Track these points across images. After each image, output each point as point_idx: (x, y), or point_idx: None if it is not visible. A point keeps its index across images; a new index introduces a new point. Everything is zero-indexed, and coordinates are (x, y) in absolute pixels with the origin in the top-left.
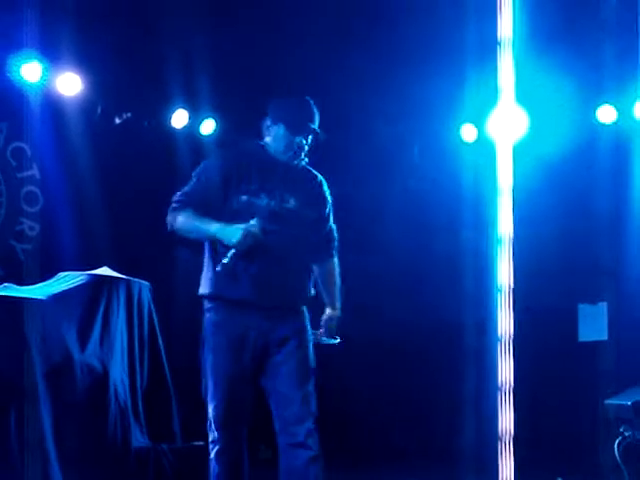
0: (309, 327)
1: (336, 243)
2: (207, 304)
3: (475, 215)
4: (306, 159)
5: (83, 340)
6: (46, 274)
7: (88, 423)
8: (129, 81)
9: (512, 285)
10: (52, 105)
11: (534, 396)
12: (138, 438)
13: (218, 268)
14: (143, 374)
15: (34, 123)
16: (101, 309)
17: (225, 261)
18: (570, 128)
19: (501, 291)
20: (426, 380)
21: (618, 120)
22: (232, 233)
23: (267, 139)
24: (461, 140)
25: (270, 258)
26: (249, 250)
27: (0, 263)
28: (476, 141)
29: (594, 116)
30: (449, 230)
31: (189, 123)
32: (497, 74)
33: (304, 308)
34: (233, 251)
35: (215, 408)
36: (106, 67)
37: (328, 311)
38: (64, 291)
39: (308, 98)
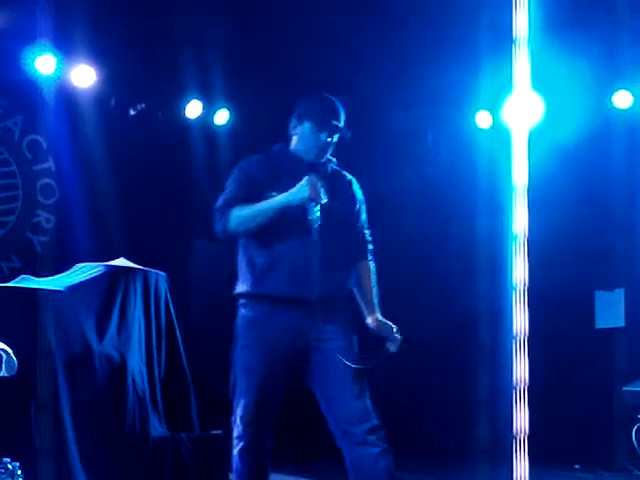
0: (351, 323)
1: (371, 246)
2: (242, 300)
3: (490, 202)
4: (334, 160)
5: (101, 331)
6: (63, 266)
7: (107, 413)
8: (143, 72)
9: (527, 280)
10: (67, 97)
11: (551, 383)
12: (156, 427)
13: (310, 217)
14: (161, 364)
15: (49, 116)
16: (118, 300)
17: (315, 216)
18: (586, 114)
19: (516, 288)
20: (442, 377)
21: (634, 105)
22: (300, 190)
23: (294, 139)
24: (476, 127)
25: (305, 254)
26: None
27: (17, 255)
28: (491, 128)
29: (610, 101)
30: (464, 217)
31: (203, 113)
32: (512, 61)
33: (345, 305)
34: (313, 204)
35: (244, 407)
36: (120, 59)
37: (369, 320)
38: (81, 282)
39: (331, 97)
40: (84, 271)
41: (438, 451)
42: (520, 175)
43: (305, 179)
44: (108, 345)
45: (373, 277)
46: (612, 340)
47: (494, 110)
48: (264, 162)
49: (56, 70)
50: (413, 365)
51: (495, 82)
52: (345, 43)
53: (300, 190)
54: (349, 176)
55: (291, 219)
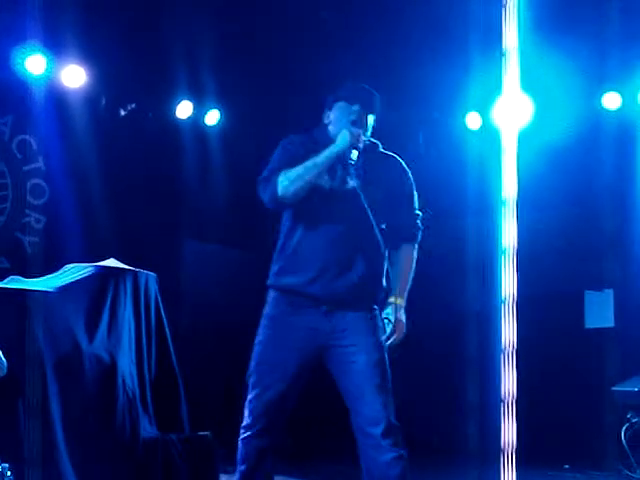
0: (380, 325)
1: (418, 230)
2: (270, 293)
3: (479, 202)
4: (379, 143)
5: (91, 331)
6: (52, 266)
7: (96, 414)
8: (133, 73)
9: (516, 294)
10: (57, 97)
11: (541, 383)
12: (146, 428)
13: (350, 161)
14: (151, 365)
15: (39, 116)
16: (108, 300)
17: (353, 161)
18: (575, 115)
19: (505, 302)
20: (433, 377)
21: (623, 106)
22: (342, 138)
23: (330, 128)
24: (466, 128)
25: (334, 244)
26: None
27: (6, 256)
28: (481, 129)
29: (599, 103)
30: (455, 217)
31: (194, 114)
32: (502, 62)
33: (375, 306)
34: (353, 150)
35: (255, 397)
36: (110, 59)
37: (391, 299)
38: (71, 283)
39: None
40: (74, 272)
41: (427, 453)
42: (510, 185)
43: (344, 130)
44: (98, 346)
45: (412, 263)
46: (602, 340)
47: (484, 111)
48: (305, 139)
49: (46, 70)
50: (402, 374)
51: (485, 83)
52: (336, 45)
53: (342, 138)
54: (394, 157)
55: (330, 201)
